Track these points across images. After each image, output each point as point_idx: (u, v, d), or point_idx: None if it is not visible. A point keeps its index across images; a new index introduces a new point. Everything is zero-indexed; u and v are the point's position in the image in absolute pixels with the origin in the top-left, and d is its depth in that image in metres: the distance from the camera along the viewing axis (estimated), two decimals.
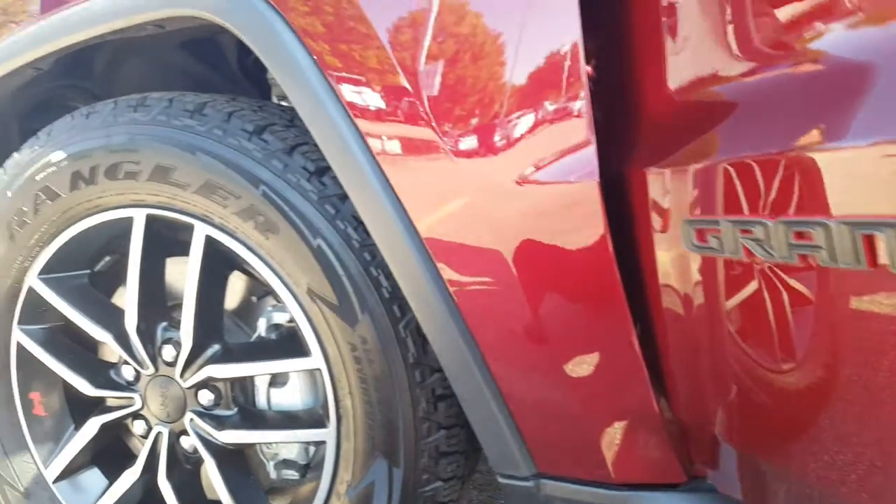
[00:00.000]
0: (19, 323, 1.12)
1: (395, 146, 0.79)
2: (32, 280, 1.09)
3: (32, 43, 1.01)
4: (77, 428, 1.15)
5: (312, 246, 0.90)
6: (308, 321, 0.94)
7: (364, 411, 0.94)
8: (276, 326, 1.04)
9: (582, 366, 0.75)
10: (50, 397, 1.16)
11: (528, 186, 0.71)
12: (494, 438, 0.82)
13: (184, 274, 1.10)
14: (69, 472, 1.15)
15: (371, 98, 0.79)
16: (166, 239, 1.05)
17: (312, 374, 1.04)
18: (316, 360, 0.95)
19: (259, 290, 1.10)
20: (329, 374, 0.95)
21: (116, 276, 1.15)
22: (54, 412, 1.17)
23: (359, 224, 0.92)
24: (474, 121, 0.73)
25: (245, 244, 0.95)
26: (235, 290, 1.10)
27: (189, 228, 0.98)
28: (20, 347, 1.12)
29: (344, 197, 0.92)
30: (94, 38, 0.97)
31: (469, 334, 0.80)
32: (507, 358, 0.79)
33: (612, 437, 0.76)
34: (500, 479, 0.85)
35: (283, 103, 1.13)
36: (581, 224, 0.69)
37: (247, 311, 1.11)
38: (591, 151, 0.68)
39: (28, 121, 1.23)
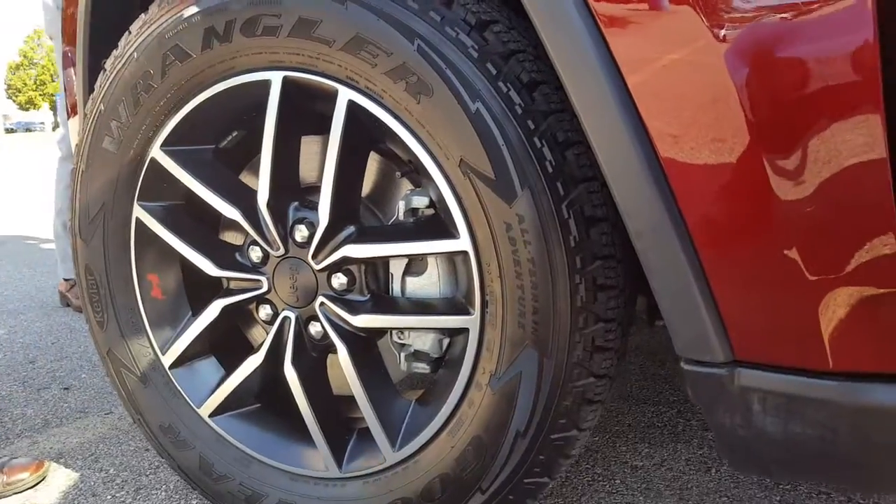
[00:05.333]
0: (139, 199, 1.06)
1: None
2: (156, 152, 1.02)
3: None
4: (195, 314, 1.10)
5: (470, 110, 0.81)
6: (457, 199, 0.85)
7: (514, 297, 0.86)
8: (414, 211, 0.96)
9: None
10: (168, 280, 1.12)
11: None
12: (686, 317, 0.72)
13: (318, 154, 1.03)
14: (186, 359, 1.11)
15: None
16: (303, 113, 0.97)
17: (452, 262, 0.96)
18: (463, 241, 0.87)
19: (396, 171, 1.02)
20: (476, 257, 0.87)
21: (242, 155, 1.08)
22: (172, 296, 1.12)
23: (523, 87, 0.82)
24: None
25: (391, 111, 0.86)
26: (370, 172, 1.02)
27: (330, 96, 0.90)
28: (140, 224, 1.07)
29: (508, 56, 0.83)
30: None
31: (672, 197, 0.70)
32: (716, 224, 0.69)
33: (840, 313, 0.66)
34: (685, 366, 0.76)
35: None
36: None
37: (382, 196, 1.04)
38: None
39: None
